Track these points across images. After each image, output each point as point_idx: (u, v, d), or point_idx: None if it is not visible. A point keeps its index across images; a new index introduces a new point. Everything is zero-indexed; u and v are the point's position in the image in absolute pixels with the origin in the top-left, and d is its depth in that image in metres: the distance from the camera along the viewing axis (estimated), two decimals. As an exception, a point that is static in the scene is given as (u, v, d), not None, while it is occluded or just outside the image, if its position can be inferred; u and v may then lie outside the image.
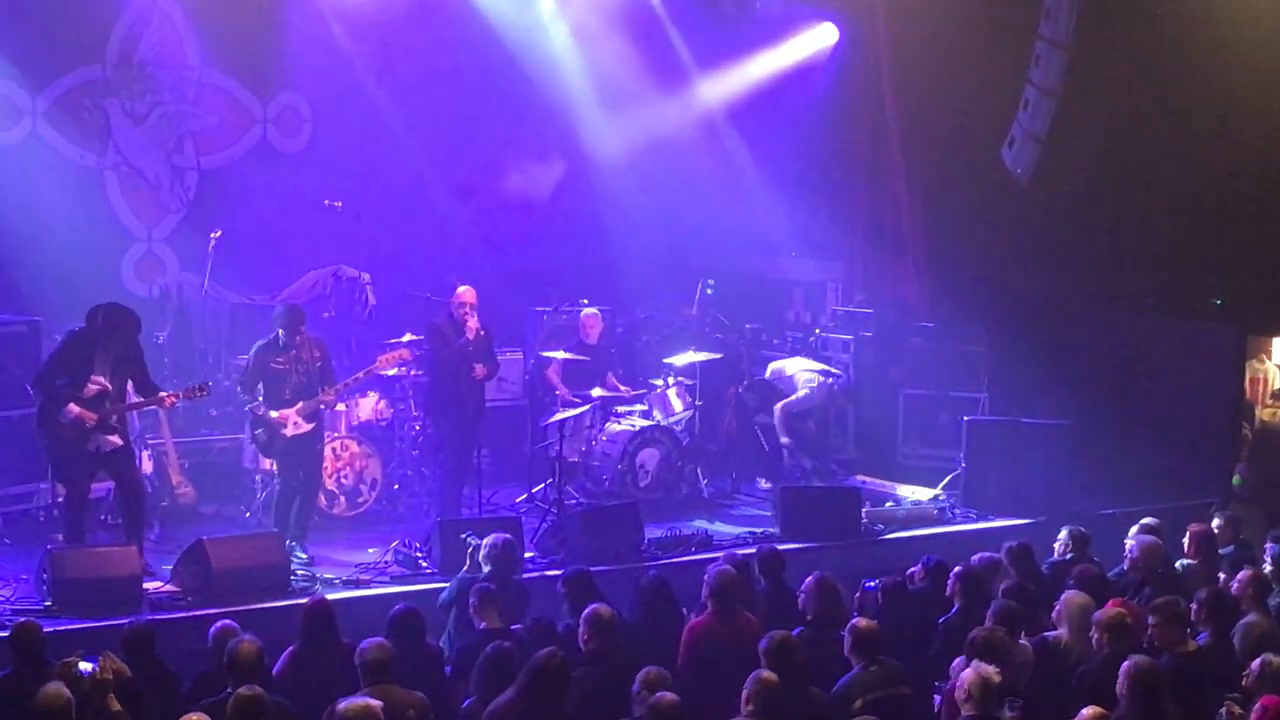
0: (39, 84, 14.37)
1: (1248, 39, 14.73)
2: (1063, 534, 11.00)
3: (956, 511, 13.97)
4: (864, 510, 13.41)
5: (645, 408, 14.54)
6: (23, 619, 8.88)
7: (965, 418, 14.54)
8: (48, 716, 7.05)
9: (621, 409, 14.43)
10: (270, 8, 15.03)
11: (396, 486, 13.71)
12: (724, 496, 14.57)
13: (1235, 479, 14.18)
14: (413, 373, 13.76)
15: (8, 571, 11.29)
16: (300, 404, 11.80)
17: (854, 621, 8.55)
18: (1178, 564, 10.78)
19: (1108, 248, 15.74)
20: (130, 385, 11.29)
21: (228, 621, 8.69)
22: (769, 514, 13.66)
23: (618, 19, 16.49)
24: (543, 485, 13.80)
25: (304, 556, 11.73)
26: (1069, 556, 10.72)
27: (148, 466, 12.77)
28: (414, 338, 13.41)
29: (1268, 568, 10.40)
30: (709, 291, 16.71)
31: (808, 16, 17.11)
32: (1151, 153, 15.27)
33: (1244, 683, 8.15)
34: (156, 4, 14.84)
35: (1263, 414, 15.35)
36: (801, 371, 15.13)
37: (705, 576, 9.36)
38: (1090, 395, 15.06)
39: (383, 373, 13.06)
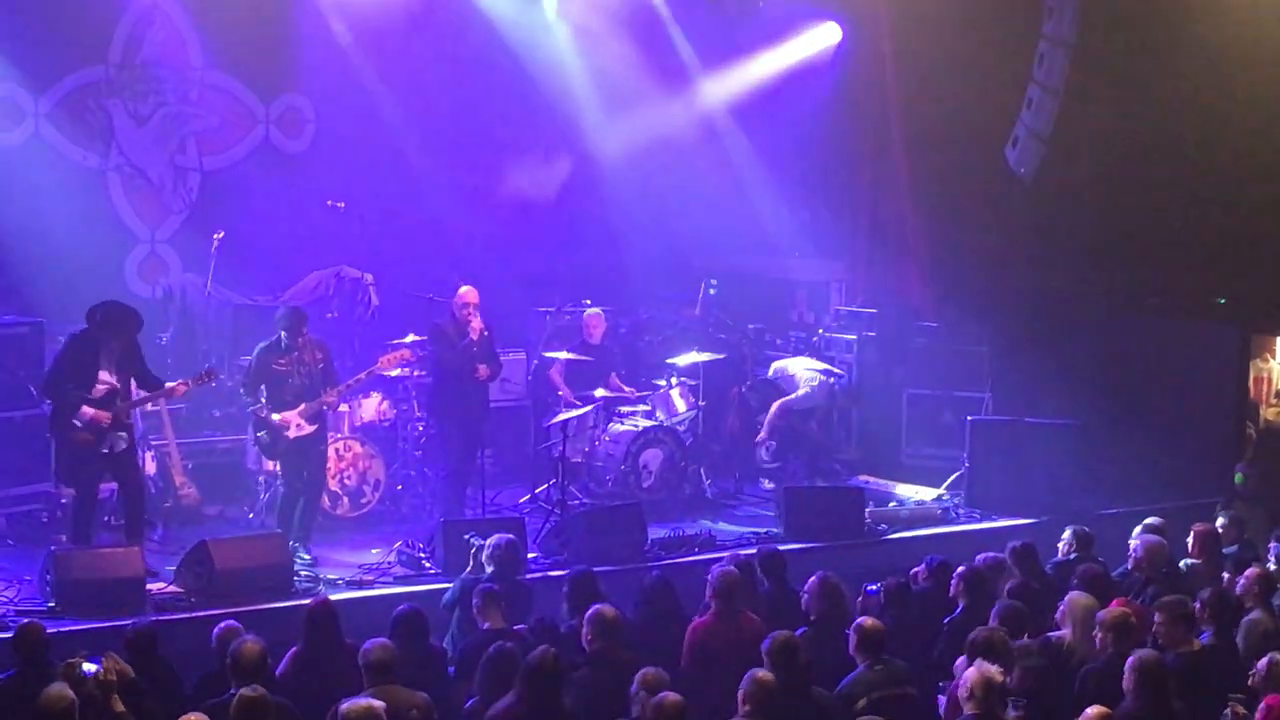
0: (41, 85, 14.38)
1: (1251, 37, 14.71)
2: (1066, 534, 10.99)
3: (960, 511, 13.96)
4: (867, 510, 13.40)
5: (648, 408, 14.53)
6: (26, 620, 8.92)
7: (969, 417, 14.53)
8: (51, 717, 7.04)
9: (625, 409, 14.42)
10: (273, 8, 15.03)
11: (400, 487, 13.71)
12: (727, 497, 14.56)
13: (1237, 477, 14.16)
14: (416, 373, 13.76)
15: (11, 572, 11.29)
16: (303, 406, 11.80)
17: (859, 621, 8.55)
18: (1182, 563, 10.76)
19: (1111, 247, 15.71)
20: (133, 383, 11.32)
21: (231, 622, 8.69)
22: (772, 514, 13.65)
23: (620, 19, 16.50)
24: (546, 486, 13.79)
25: (307, 557, 11.73)
26: (1073, 556, 10.71)
27: (151, 467, 12.77)
28: (417, 338, 13.41)
29: (1272, 566, 10.40)
30: (712, 291, 16.71)
31: (811, 16, 17.09)
32: (1155, 151, 15.24)
33: (1250, 681, 8.14)
34: (159, 5, 14.84)
35: (1267, 413, 15.32)
36: (804, 371, 15.14)
37: (708, 577, 9.36)
38: (1094, 395, 15.04)
39: (385, 373, 13.08)
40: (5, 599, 10.64)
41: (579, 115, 16.53)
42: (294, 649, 8.67)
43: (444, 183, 15.99)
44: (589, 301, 15.34)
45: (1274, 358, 15.53)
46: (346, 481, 13.15)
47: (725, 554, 10.99)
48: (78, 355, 11.17)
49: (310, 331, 12.04)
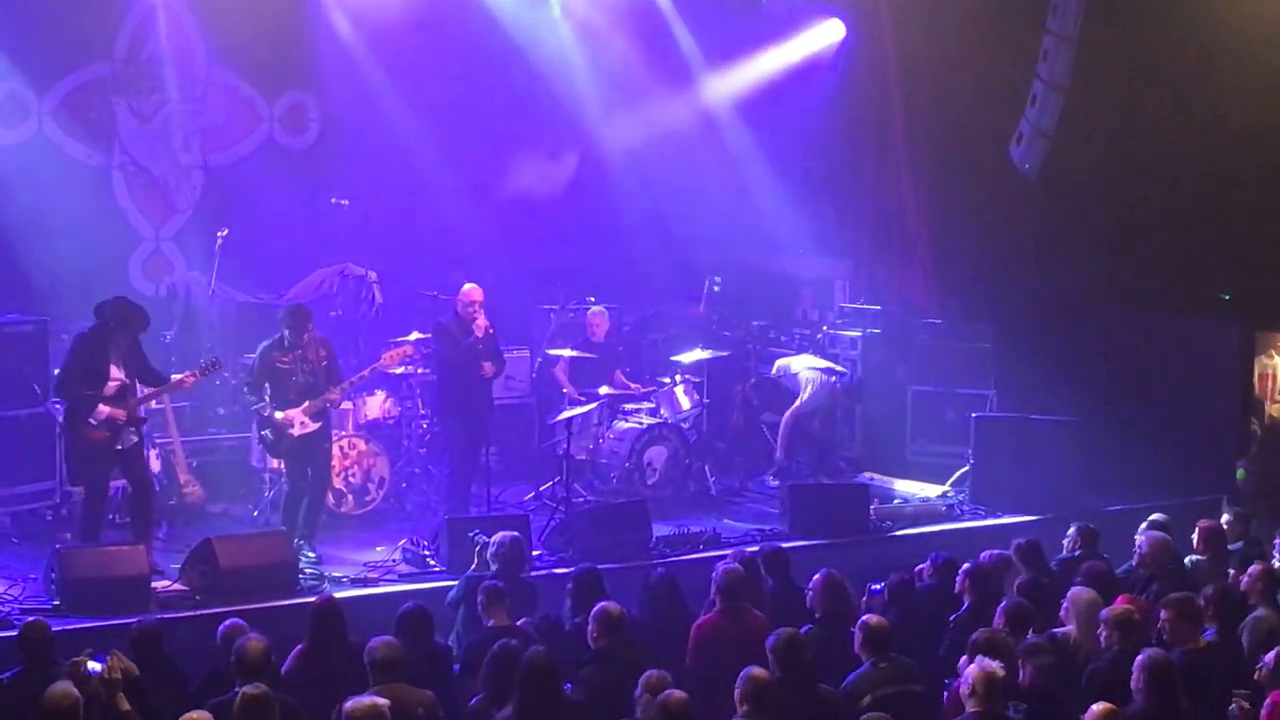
0: (45, 83, 14.38)
1: (1256, 33, 14.68)
2: (1071, 530, 10.99)
3: (965, 508, 13.95)
4: (872, 507, 13.39)
5: (653, 405, 14.53)
6: (31, 618, 8.93)
7: (973, 414, 14.53)
8: (56, 716, 7.04)
9: (629, 407, 14.43)
10: (277, 6, 15.03)
11: (404, 485, 13.70)
12: (732, 494, 14.55)
13: (1239, 474, 14.15)
14: (420, 371, 13.76)
15: (16, 571, 11.30)
16: (306, 403, 11.80)
17: (865, 618, 8.55)
18: (1186, 560, 10.75)
19: (1116, 243, 15.69)
20: (136, 380, 11.36)
21: (236, 620, 8.69)
22: (777, 511, 13.64)
23: (625, 15, 16.49)
24: (550, 483, 13.79)
25: (312, 555, 11.73)
26: (1078, 553, 10.71)
27: (155, 465, 12.76)
28: (421, 336, 13.41)
29: (1277, 563, 10.38)
30: (716, 289, 16.70)
31: (815, 13, 17.08)
32: (1160, 148, 15.22)
33: (1256, 677, 8.13)
34: (163, 2, 14.82)
35: (1272, 410, 15.30)
36: (805, 370, 15.06)
37: (713, 574, 9.36)
38: (1099, 391, 15.03)
39: (388, 370, 13.08)
40: (10, 597, 10.64)
41: (583, 113, 16.52)
42: (299, 647, 8.68)
43: (448, 180, 15.98)
44: (593, 299, 15.35)
45: (1279, 354, 15.52)
46: (351, 479, 13.16)
47: (730, 551, 10.97)
48: (87, 353, 11.20)
49: (314, 329, 12.03)
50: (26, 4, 13.98)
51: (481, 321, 12.85)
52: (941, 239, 16.43)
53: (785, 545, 11.17)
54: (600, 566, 10.12)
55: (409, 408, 13.91)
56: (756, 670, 7.59)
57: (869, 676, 8.26)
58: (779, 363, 15.45)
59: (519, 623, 9.14)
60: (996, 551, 10.32)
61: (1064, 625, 9.14)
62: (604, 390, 14.14)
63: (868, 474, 15.10)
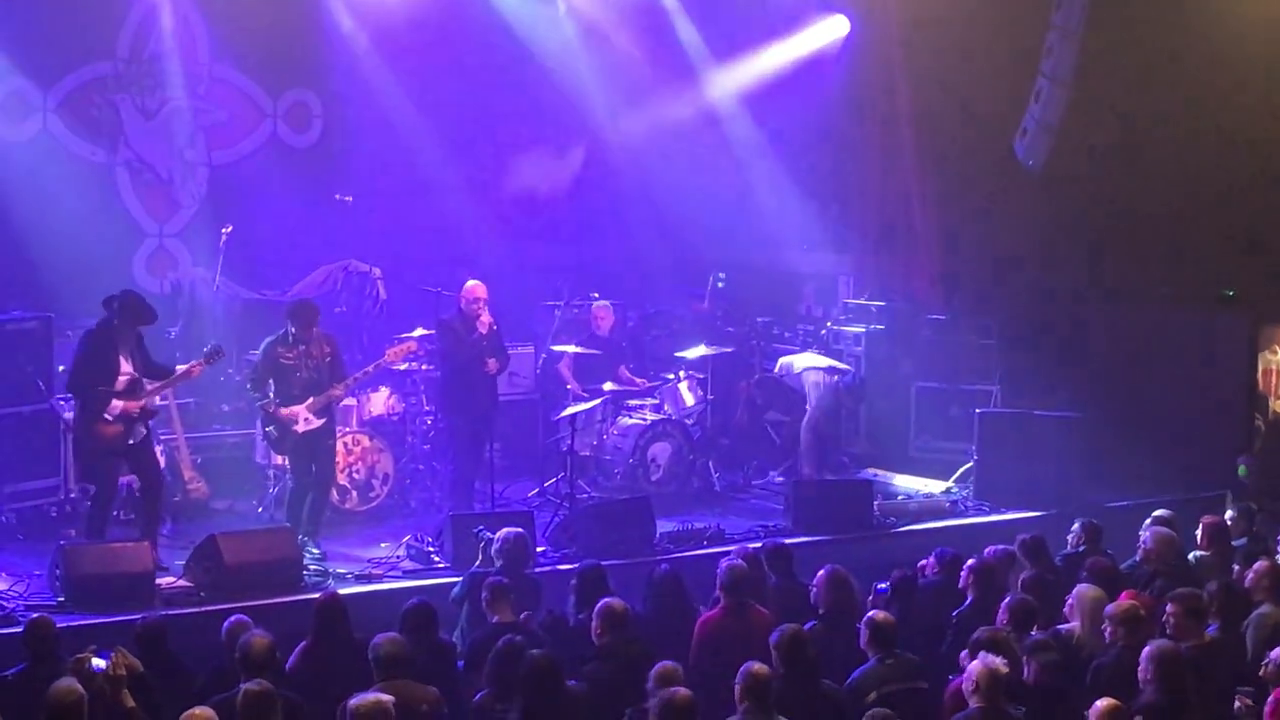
0: (49, 80, 14.39)
1: (1260, 28, 14.67)
2: (1075, 526, 10.99)
3: (969, 504, 13.95)
4: (876, 503, 13.39)
5: (656, 401, 14.53)
6: (36, 614, 8.90)
7: (977, 410, 14.52)
8: (61, 712, 7.05)
9: (633, 402, 14.43)
10: (281, 3, 15.07)
11: (408, 481, 13.70)
12: (736, 490, 14.56)
13: (1240, 470, 14.14)
14: (424, 367, 13.76)
15: (21, 567, 11.31)
16: (310, 399, 11.80)
17: (871, 614, 8.53)
18: (1191, 556, 10.75)
19: (1120, 238, 15.69)
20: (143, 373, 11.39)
21: (240, 616, 8.69)
22: (781, 507, 13.64)
23: (629, 12, 16.49)
24: (554, 479, 13.78)
25: (316, 551, 11.72)
26: (1081, 549, 10.71)
27: (160, 462, 12.76)
28: (425, 332, 13.41)
29: (1282, 559, 10.37)
30: (720, 285, 16.69)
31: (819, 8, 17.08)
32: (1164, 142, 15.22)
33: (1261, 673, 8.13)
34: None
35: (1276, 405, 15.30)
36: (809, 370, 15.00)
37: (717, 570, 9.36)
38: (1102, 387, 15.03)
39: (393, 367, 13.08)
40: (15, 594, 10.65)
41: (587, 109, 16.51)
42: (303, 643, 8.68)
43: (452, 176, 15.99)
44: (597, 294, 15.34)
45: (1283, 349, 15.52)
46: (355, 475, 13.16)
47: (734, 547, 10.97)
48: (97, 348, 11.22)
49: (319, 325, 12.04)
50: (30, 2, 14.00)
51: (485, 318, 12.84)
52: (945, 234, 16.43)
53: (789, 541, 11.19)
54: (604, 563, 10.13)
55: (413, 404, 13.91)
56: (756, 666, 7.57)
57: (875, 673, 8.26)
58: (781, 361, 15.42)
59: (522, 617, 9.14)
60: (1000, 547, 10.31)
61: (1068, 621, 9.14)
62: (608, 386, 14.13)
63: (871, 470, 15.09)
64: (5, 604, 10.35)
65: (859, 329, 15.97)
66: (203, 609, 10.45)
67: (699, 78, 16.96)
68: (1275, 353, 15.40)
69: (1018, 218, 15.97)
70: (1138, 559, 10.51)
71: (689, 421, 14.45)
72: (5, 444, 12.43)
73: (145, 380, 11.39)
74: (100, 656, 7.57)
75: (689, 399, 14.69)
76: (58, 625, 8.55)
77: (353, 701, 7.10)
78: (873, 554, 12.13)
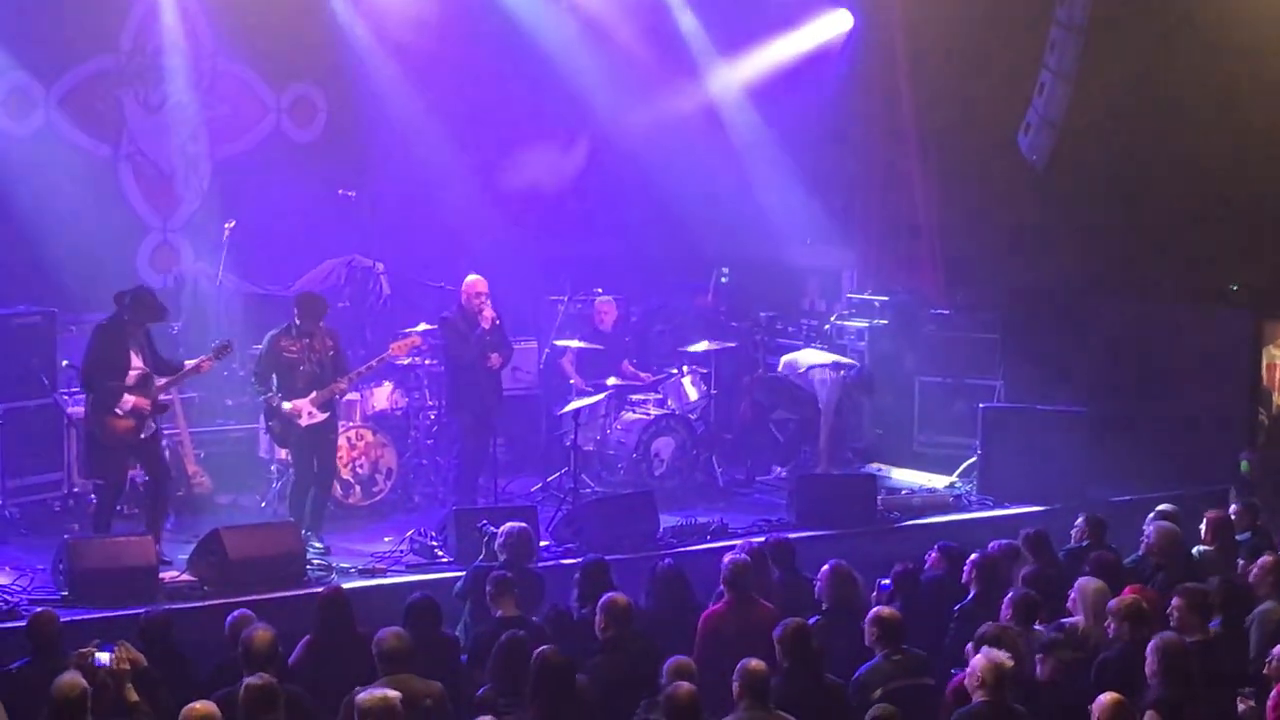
0: (52, 75, 14.36)
1: (1266, 22, 14.63)
2: (1079, 521, 10.98)
3: (972, 499, 13.94)
4: (880, 498, 13.38)
5: (660, 396, 14.53)
6: (39, 609, 8.92)
7: (981, 405, 14.51)
8: (64, 706, 7.06)
9: (636, 397, 14.42)
10: (284, -2, 15.04)
11: (412, 476, 13.70)
12: (740, 485, 14.55)
13: (1242, 465, 14.12)
14: (427, 362, 13.76)
15: (24, 561, 11.34)
16: (314, 394, 11.80)
17: (878, 610, 8.50)
18: (1195, 550, 10.74)
19: (1124, 233, 15.66)
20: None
21: (244, 611, 8.69)
22: (784, 502, 13.63)
23: (632, 6, 16.46)
24: (558, 474, 13.79)
25: (320, 546, 11.74)
26: (1085, 543, 10.71)
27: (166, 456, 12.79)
28: (429, 327, 13.41)
29: (1286, 555, 10.35)
30: (723, 279, 16.68)
31: (823, 3, 17.04)
32: (1168, 137, 15.18)
33: (1265, 669, 8.11)
34: (170, -7, 14.84)
35: (1279, 400, 15.28)
36: (813, 367, 14.95)
37: (721, 565, 9.36)
38: (1106, 382, 15.01)
39: (396, 361, 13.08)
40: (19, 587, 10.67)
41: (591, 104, 16.49)
42: (307, 638, 8.69)
43: (456, 171, 15.97)
44: (600, 289, 15.34)
45: (1287, 344, 15.49)
46: (359, 470, 13.16)
47: (738, 542, 10.97)
48: (109, 345, 11.24)
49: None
50: (32, -3, 14.00)
51: (488, 312, 12.84)
52: (949, 229, 16.40)
53: (792, 536, 11.17)
54: (607, 557, 10.16)
55: (416, 399, 13.91)
56: (753, 662, 7.55)
57: (881, 669, 8.24)
58: (785, 359, 15.35)
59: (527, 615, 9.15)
60: (1004, 542, 10.30)
61: (1071, 615, 9.13)
62: (611, 381, 14.13)
63: (875, 464, 15.08)
64: (9, 598, 10.36)
65: (862, 324, 15.95)
66: (206, 603, 10.46)
67: (702, 73, 16.94)
68: (1279, 348, 15.39)
69: (1021, 212, 15.94)
70: (1141, 553, 10.50)
71: (692, 416, 14.44)
72: (9, 438, 12.44)
73: (155, 375, 11.40)
74: (104, 650, 7.58)
75: (692, 394, 14.69)
76: (61, 619, 8.58)
77: (360, 698, 7.09)
78: (876, 549, 12.14)
